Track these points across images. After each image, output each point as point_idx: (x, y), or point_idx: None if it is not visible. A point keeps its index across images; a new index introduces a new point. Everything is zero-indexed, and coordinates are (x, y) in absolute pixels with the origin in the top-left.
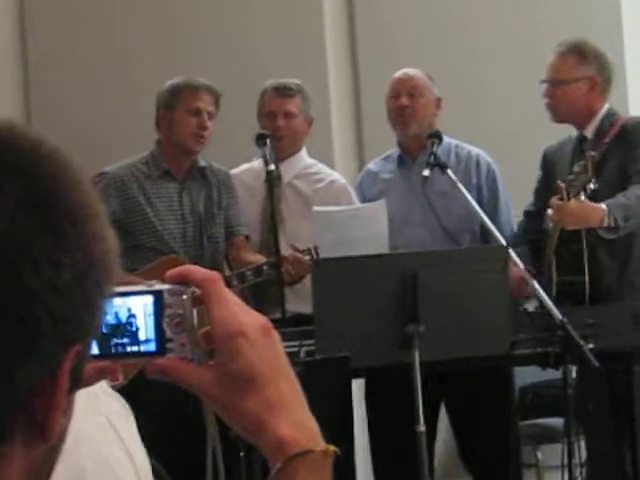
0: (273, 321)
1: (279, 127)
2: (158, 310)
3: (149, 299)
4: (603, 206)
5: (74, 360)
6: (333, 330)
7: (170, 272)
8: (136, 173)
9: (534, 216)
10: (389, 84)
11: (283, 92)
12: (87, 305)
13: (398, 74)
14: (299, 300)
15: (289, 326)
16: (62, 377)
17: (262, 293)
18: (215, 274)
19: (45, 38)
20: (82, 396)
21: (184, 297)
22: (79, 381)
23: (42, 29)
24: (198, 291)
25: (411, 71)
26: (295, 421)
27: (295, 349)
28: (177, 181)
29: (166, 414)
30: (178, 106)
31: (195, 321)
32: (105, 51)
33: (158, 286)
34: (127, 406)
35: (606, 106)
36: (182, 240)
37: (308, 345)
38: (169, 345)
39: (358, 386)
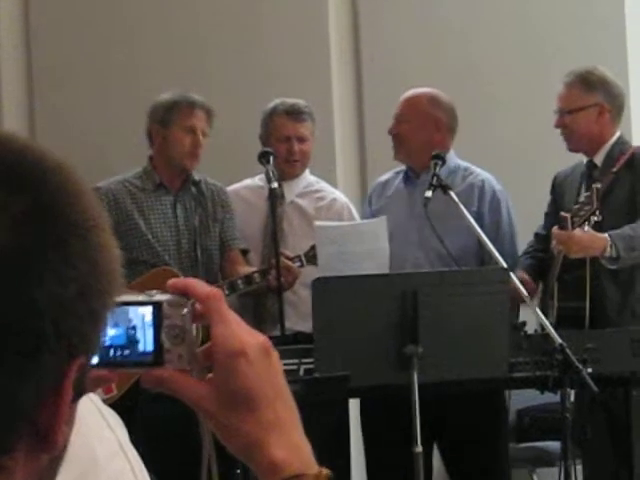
0: (272, 339)
1: (295, 152)
2: (157, 321)
3: (149, 310)
4: (606, 236)
5: (78, 371)
6: (332, 349)
7: (172, 282)
8: (129, 187)
9: (543, 239)
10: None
11: (297, 116)
12: (91, 317)
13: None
14: (299, 319)
15: (288, 344)
16: (66, 389)
17: (262, 311)
18: (218, 291)
19: (49, 54)
20: (90, 412)
21: (184, 310)
22: (82, 392)
23: (46, 45)
24: (198, 305)
25: (411, 96)
26: (290, 444)
27: (294, 367)
28: (171, 194)
29: (161, 429)
30: (173, 123)
31: (194, 334)
32: (110, 67)
33: (158, 297)
34: (120, 421)
35: (617, 134)
36: (176, 252)
37: (307, 363)
38: (167, 356)
39: (355, 405)
